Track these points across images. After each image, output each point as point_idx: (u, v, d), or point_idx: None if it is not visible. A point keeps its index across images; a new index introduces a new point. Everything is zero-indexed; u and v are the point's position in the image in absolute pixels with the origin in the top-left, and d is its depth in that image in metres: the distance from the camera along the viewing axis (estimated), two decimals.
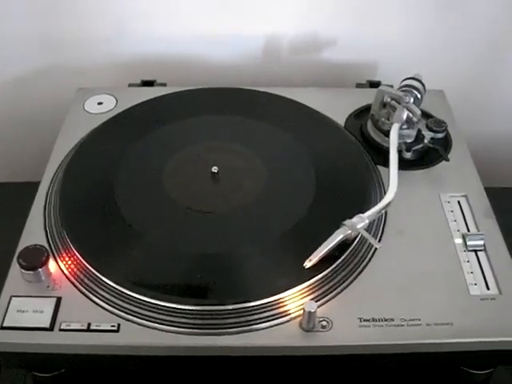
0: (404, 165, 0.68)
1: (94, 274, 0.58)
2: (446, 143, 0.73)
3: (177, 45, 0.90)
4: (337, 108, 0.78)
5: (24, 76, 0.92)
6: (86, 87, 0.82)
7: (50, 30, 0.87)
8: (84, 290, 0.57)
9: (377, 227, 0.63)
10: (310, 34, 0.89)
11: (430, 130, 0.72)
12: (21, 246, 0.60)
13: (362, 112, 0.78)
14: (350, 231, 0.59)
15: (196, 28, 0.87)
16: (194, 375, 0.60)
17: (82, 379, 0.62)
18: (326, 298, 0.57)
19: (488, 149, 0.97)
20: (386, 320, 0.56)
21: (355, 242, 0.61)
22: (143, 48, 0.90)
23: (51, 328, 0.54)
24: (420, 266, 0.60)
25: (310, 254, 0.58)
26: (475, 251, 0.62)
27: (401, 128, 0.69)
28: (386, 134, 0.70)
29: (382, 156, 0.70)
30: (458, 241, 0.63)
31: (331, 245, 0.58)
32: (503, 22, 0.87)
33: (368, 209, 0.61)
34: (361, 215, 0.60)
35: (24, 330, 0.54)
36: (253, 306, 0.55)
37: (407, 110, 0.68)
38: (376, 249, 0.61)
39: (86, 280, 0.58)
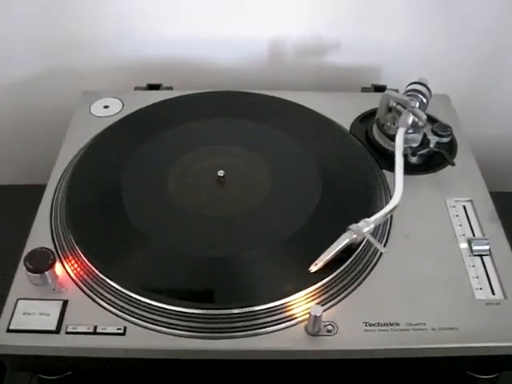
0: (409, 169, 0.68)
1: (100, 277, 0.58)
2: (451, 148, 0.73)
3: (181, 48, 0.90)
4: (342, 112, 0.78)
5: (27, 79, 0.92)
6: (92, 90, 0.82)
7: (53, 33, 0.87)
8: (90, 293, 0.58)
9: (382, 232, 0.63)
10: (314, 37, 0.89)
11: (436, 134, 0.72)
12: (27, 248, 0.60)
13: (368, 116, 0.78)
14: (355, 235, 0.59)
15: (199, 31, 0.88)
16: (199, 379, 0.60)
17: (87, 382, 0.62)
18: (332, 303, 0.57)
19: (493, 153, 0.97)
20: (391, 324, 0.56)
21: (361, 247, 0.61)
22: (147, 51, 0.90)
23: (57, 331, 0.55)
24: (425, 270, 0.60)
25: (316, 259, 0.58)
26: (480, 256, 0.62)
27: (406, 132, 0.69)
28: (392, 138, 0.70)
29: (388, 160, 0.70)
30: (464, 245, 0.63)
31: (337, 249, 0.58)
32: (506, 24, 0.87)
33: (374, 213, 0.61)
34: (366, 219, 0.60)
35: (30, 333, 0.55)
36: (259, 310, 0.56)
37: (413, 114, 0.68)
38: (381, 253, 0.61)
39: (92, 283, 0.58)
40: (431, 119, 0.75)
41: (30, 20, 0.86)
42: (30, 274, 0.57)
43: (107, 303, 0.57)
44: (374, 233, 0.61)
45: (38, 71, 0.91)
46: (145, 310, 0.56)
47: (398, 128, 0.69)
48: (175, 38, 0.88)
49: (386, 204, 0.63)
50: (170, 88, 0.85)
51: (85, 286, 0.58)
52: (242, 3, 0.86)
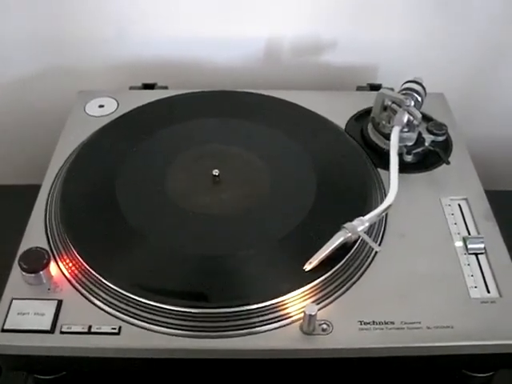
0: (404, 168, 0.68)
1: (95, 276, 0.58)
2: (446, 146, 0.73)
3: (177, 47, 0.90)
4: (337, 111, 0.78)
5: (25, 78, 0.92)
6: (87, 90, 0.82)
7: (51, 32, 0.87)
8: (85, 293, 0.57)
9: (377, 230, 0.63)
10: (311, 36, 0.89)
11: (431, 133, 0.72)
12: (22, 248, 0.60)
13: (363, 115, 0.78)
14: (350, 234, 0.59)
15: (196, 30, 0.88)
16: (194, 378, 0.60)
17: (82, 382, 0.62)
18: (327, 301, 0.57)
19: (488, 151, 0.97)
20: (386, 323, 0.56)
21: (356, 245, 0.61)
22: (143, 50, 0.90)
23: (52, 331, 0.55)
24: (420, 268, 0.60)
25: (311, 257, 0.58)
26: (476, 254, 0.62)
27: (401, 131, 0.69)
28: (387, 137, 0.70)
29: (383, 159, 0.70)
30: (459, 244, 0.63)
31: (331, 248, 0.58)
32: (504, 23, 0.87)
33: (368, 212, 0.61)
34: (361, 218, 0.60)
35: (25, 333, 0.54)
36: (254, 309, 0.55)
37: (408, 113, 0.68)
38: (376, 252, 0.61)
39: (87, 282, 0.58)
40: (426, 118, 0.75)
41: (26, 20, 0.85)
42: (24, 273, 0.57)
43: (102, 302, 0.57)
44: (368, 231, 0.61)
45: (35, 70, 0.91)
46: (140, 309, 0.56)
47: (393, 127, 0.69)
48: (172, 37, 0.88)
49: (380, 203, 0.63)
50: (166, 87, 0.85)
51: (80, 285, 0.58)
52: (239, 3, 0.86)
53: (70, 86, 0.85)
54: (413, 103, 0.70)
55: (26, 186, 0.74)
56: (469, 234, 0.64)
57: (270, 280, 0.58)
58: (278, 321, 0.55)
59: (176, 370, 0.58)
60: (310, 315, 0.53)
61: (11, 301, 0.57)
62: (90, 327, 0.55)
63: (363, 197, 0.66)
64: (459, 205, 0.67)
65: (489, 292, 0.59)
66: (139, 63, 0.91)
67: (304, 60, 0.92)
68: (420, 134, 0.71)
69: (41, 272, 0.57)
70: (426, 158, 0.72)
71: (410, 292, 0.58)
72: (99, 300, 0.57)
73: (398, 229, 0.64)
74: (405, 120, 0.69)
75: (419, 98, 0.71)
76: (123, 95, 0.81)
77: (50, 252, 0.59)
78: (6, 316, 0.55)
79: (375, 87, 0.84)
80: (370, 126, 0.75)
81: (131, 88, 0.85)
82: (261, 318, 0.55)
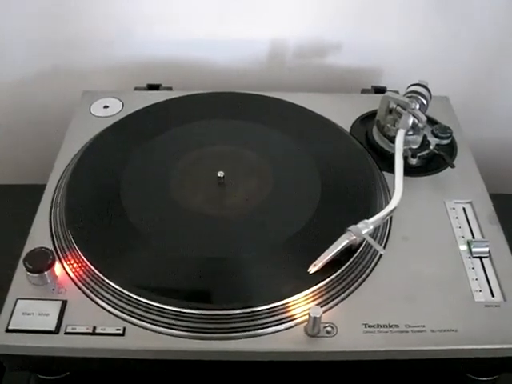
0: (409, 171, 0.68)
1: (99, 277, 0.58)
2: (451, 149, 0.73)
3: (182, 48, 0.90)
4: (342, 113, 0.78)
5: (27, 78, 0.92)
6: (92, 90, 0.83)
7: (52, 33, 0.87)
8: (90, 293, 0.57)
9: (382, 233, 0.63)
10: (315, 39, 0.89)
11: (436, 136, 0.72)
12: (27, 248, 0.60)
13: (368, 118, 0.78)
14: (354, 237, 0.59)
15: (200, 32, 0.88)
16: (198, 379, 0.60)
17: (86, 382, 0.62)
18: (331, 304, 0.57)
19: (493, 155, 0.97)
20: (390, 326, 0.56)
21: (360, 248, 0.61)
22: (147, 51, 0.90)
23: (56, 331, 0.55)
24: (425, 272, 0.60)
25: (315, 260, 0.58)
26: (480, 258, 0.62)
27: (406, 134, 0.69)
28: (392, 139, 0.70)
29: (388, 162, 0.70)
30: (463, 247, 0.63)
31: (336, 250, 0.58)
32: (507, 25, 0.87)
33: (373, 215, 0.61)
34: (366, 221, 0.60)
35: (29, 333, 0.55)
36: (258, 311, 0.56)
37: (413, 116, 0.69)
38: (381, 255, 0.61)
39: (91, 283, 0.58)
40: (431, 121, 0.75)
41: (30, 20, 0.86)
42: (29, 273, 0.57)
43: (106, 303, 0.57)
44: (373, 234, 0.61)
45: (37, 71, 0.92)
46: (144, 311, 0.56)
47: (398, 129, 0.69)
48: (176, 38, 0.88)
49: (385, 205, 0.63)
50: (170, 88, 0.85)
51: (84, 286, 0.58)
52: (243, 4, 0.86)
53: (72, 87, 0.85)
54: (418, 106, 0.70)
55: (30, 186, 0.74)
56: (473, 237, 0.64)
57: (275, 282, 0.58)
58: (283, 323, 0.55)
59: (180, 372, 0.58)
60: (315, 317, 0.53)
61: (16, 301, 0.57)
62: (94, 328, 0.55)
63: (368, 199, 0.66)
64: (464, 208, 0.67)
65: (493, 296, 0.59)
66: (144, 64, 0.91)
67: (308, 62, 0.92)
68: (425, 137, 0.71)
69: (45, 272, 0.57)
70: (431, 161, 0.72)
71: (415, 295, 0.58)
72: (104, 301, 0.57)
73: (403, 232, 0.64)
74: (410, 123, 0.69)
75: (424, 101, 0.71)
76: (128, 96, 0.81)
77: (54, 252, 0.59)
78: (11, 316, 0.55)
79: (380, 90, 0.84)
80: (375, 129, 0.75)
81: (136, 89, 0.85)
82: (265, 320, 0.55)
